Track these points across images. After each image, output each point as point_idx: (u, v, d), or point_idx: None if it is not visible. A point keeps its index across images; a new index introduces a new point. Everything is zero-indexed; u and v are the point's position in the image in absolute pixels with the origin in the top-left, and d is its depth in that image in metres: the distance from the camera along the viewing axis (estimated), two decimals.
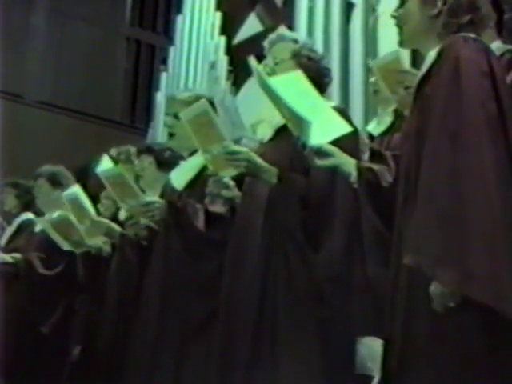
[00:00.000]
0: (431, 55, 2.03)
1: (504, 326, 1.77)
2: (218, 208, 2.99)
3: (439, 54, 1.98)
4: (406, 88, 2.66)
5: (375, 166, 2.29)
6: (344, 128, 2.32)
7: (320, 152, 2.26)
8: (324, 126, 2.29)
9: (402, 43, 2.18)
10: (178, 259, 3.06)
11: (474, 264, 1.75)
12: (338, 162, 2.28)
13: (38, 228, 4.50)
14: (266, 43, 2.86)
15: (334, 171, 2.36)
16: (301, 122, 2.26)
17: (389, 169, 2.27)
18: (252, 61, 2.38)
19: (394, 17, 2.15)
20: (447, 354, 1.82)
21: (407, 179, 2.01)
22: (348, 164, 2.28)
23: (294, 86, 2.37)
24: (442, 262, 1.77)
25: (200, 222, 3.05)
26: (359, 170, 2.27)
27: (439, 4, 2.05)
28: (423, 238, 1.83)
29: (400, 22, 2.14)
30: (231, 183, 2.80)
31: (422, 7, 2.08)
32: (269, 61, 2.80)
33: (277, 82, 2.35)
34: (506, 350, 1.81)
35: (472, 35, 1.98)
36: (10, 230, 4.79)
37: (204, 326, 2.91)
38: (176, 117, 3.15)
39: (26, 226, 4.72)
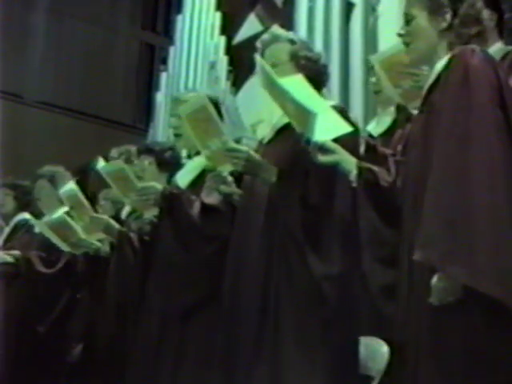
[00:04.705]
0: (439, 65, 2.08)
1: (509, 322, 1.83)
2: (213, 199, 2.98)
3: (448, 63, 2.03)
4: (417, 82, 2.64)
5: (374, 167, 2.35)
6: (345, 128, 2.37)
7: (323, 148, 2.31)
8: (326, 125, 2.33)
9: (413, 60, 2.19)
10: (169, 248, 3.06)
11: (481, 259, 1.82)
12: (339, 158, 2.34)
13: (37, 229, 4.50)
14: (258, 43, 2.81)
15: (335, 168, 2.40)
16: (307, 116, 2.29)
17: (386, 170, 2.32)
18: (259, 58, 2.40)
19: (400, 35, 2.16)
20: (453, 351, 1.88)
21: (416, 183, 2.06)
22: (349, 162, 2.35)
23: (296, 86, 2.39)
24: (451, 257, 1.84)
25: (195, 211, 3.04)
26: (359, 169, 2.33)
27: (448, 17, 2.09)
28: (432, 234, 1.89)
29: (409, 39, 2.16)
30: (229, 178, 2.80)
31: (431, 21, 2.12)
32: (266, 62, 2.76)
33: (282, 80, 2.38)
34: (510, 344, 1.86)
35: (478, 47, 2.04)
36: (6, 231, 4.80)
37: (191, 315, 2.92)
38: (180, 118, 3.14)
39: (22, 225, 4.71)
